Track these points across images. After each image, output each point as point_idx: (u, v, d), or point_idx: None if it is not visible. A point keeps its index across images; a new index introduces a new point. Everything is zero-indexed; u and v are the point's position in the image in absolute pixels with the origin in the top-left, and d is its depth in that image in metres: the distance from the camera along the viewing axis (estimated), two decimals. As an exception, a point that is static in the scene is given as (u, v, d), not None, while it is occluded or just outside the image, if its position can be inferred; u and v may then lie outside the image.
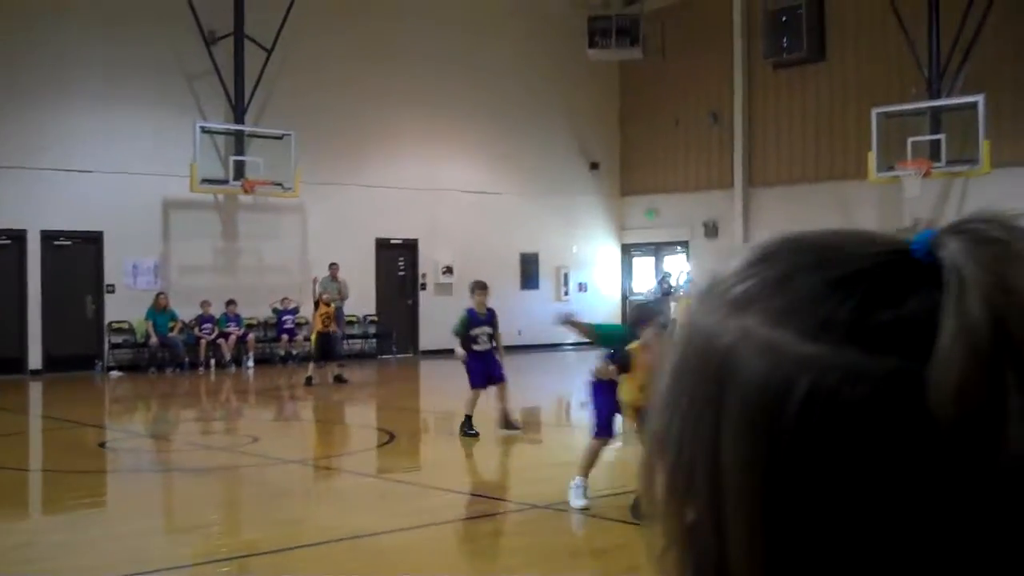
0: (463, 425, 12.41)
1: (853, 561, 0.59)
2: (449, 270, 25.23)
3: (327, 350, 19.09)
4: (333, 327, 19.29)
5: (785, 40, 24.97)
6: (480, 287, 12.78)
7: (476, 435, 12.28)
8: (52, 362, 20.62)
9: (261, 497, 9.72)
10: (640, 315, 8.84)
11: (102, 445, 13.19)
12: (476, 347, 12.50)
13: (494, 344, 12.66)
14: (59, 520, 9.08)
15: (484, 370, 12.44)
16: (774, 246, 0.66)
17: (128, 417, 16.91)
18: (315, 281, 20.44)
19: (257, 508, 9.36)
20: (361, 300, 23.34)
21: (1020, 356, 0.57)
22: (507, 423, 12.62)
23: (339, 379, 19.03)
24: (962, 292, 0.58)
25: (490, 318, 12.63)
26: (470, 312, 12.58)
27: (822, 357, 0.59)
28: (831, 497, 0.58)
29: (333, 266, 22.48)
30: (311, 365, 19.16)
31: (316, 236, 23.54)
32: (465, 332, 12.47)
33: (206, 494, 10.04)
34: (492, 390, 12.58)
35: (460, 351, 12.56)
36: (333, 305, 19.52)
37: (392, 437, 13.12)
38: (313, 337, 19.22)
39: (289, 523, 8.45)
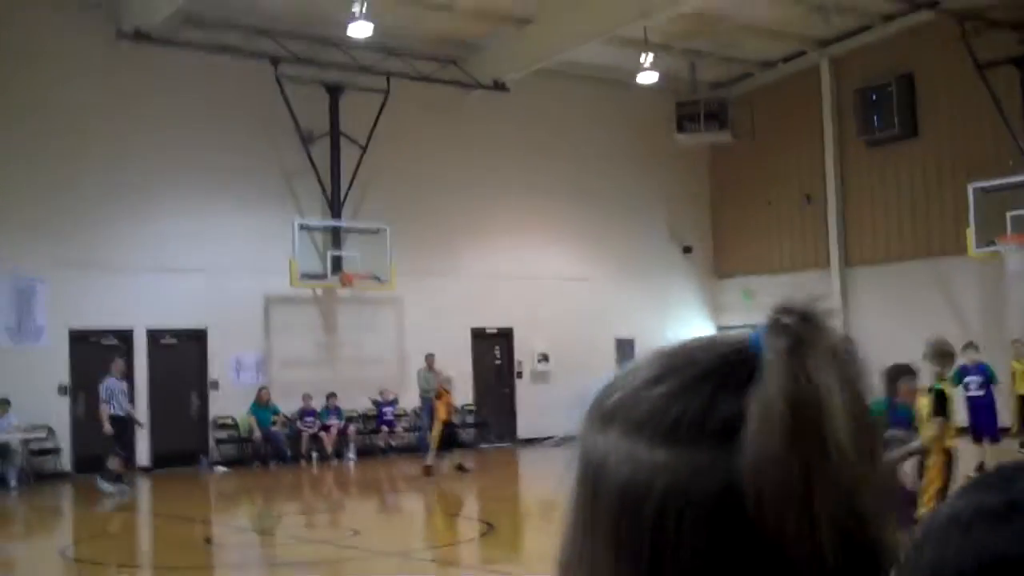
0: None
1: None
2: (545, 357, 25.28)
3: (452, 439, 19.32)
4: (454, 416, 19.56)
5: (876, 118, 24.83)
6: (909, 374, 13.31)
7: None
8: (159, 459, 21.03)
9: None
10: (895, 372, 8.92)
11: (208, 540, 13.39)
12: None
13: None
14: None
15: None
16: (642, 358, 0.72)
17: (233, 512, 17.14)
18: (438, 373, 20.56)
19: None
20: (459, 390, 23.45)
21: (815, 431, 0.62)
22: None
23: (461, 468, 19.13)
24: (763, 380, 0.64)
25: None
26: None
27: (673, 461, 0.64)
28: None
29: (429, 357, 22.69)
30: (431, 454, 19.24)
31: (413, 327, 23.80)
32: None
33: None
34: None
35: None
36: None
37: (491, 527, 13.10)
38: (438, 427, 19.35)
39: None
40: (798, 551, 0.62)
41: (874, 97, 24.83)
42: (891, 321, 24.07)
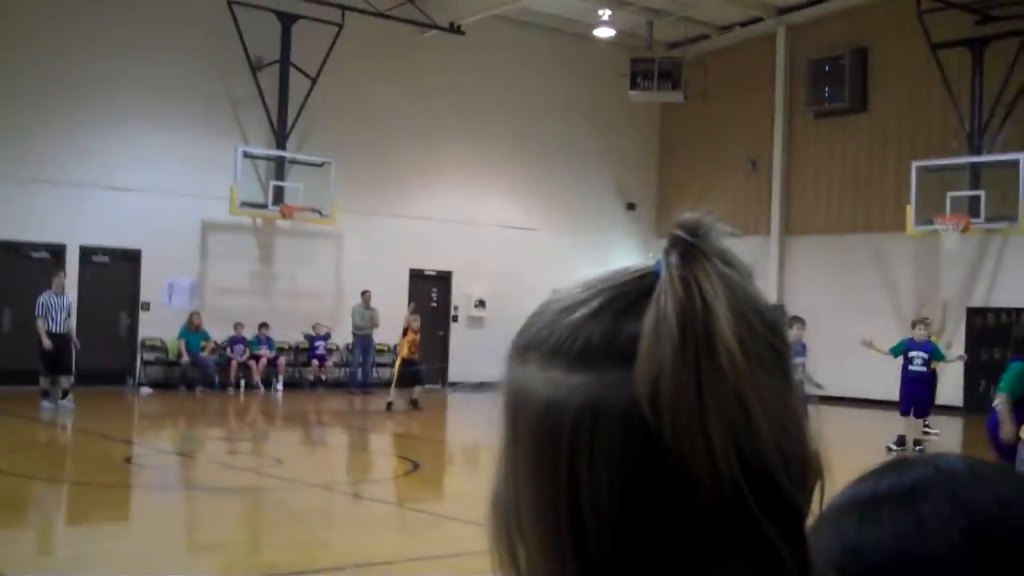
0: None
1: (647, 554, 0.66)
2: (482, 303, 25.28)
3: (413, 376, 19.36)
4: (417, 354, 19.53)
5: (827, 89, 24.96)
6: (798, 321, 13.62)
7: None
8: (84, 376, 20.75)
9: (281, 519, 9.74)
10: None
11: (128, 460, 13.28)
12: None
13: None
14: (79, 532, 9.15)
15: None
16: (554, 293, 0.74)
17: (155, 434, 17.01)
18: (411, 310, 20.52)
19: (276, 530, 9.38)
20: (393, 329, 23.38)
21: (704, 336, 0.64)
22: None
23: (414, 403, 19.26)
24: (657, 295, 0.66)
25: (802, 351, 13.48)
26: None
27: (586, 381, 0.67)
28: (611, 498, 0.65)
29: (365, 294, 22.63)
30: (392, 390, 19.36)
31: (351, 264, 23.67)
32: None
33: (227, 513, 10.08)
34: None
35: None
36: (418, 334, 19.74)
37: (416, 466, 13.12)
38: (397, 363, 19.54)
39: (307, 546, 8.46)
40: (695, 462, 0.64)
41: (827, 68, 24.92)
42: (827, 291, 24.39)
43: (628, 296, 0.69)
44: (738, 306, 0.65)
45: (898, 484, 0.81)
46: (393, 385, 19.51)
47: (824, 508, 0.74)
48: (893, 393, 15.55)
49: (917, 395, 14.83)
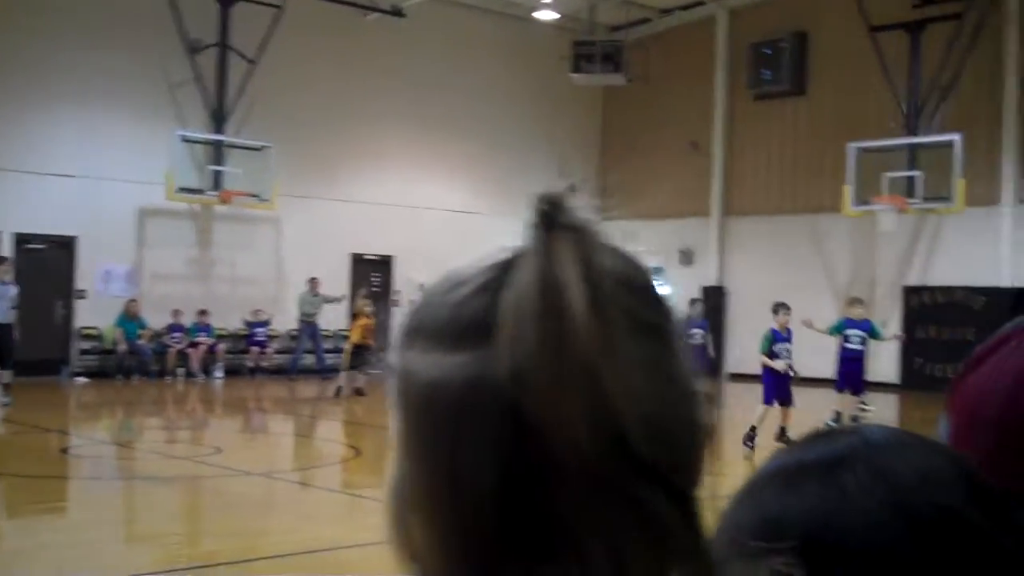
0: (746, 437, 12.88)
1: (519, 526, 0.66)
2: (424, 288, 25.08)
3: (363, 361, 19.25)
4: (370, 339, 19.38)
5: (767, 73, 25.14)
6: (783, 308, 13.79)
7: (753, 448, 12.67)
8: (18, 366, 20.36)
9: (221, 508, 9.63)
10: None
11: (64, 451, 13.07)
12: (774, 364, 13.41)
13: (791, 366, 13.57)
14: (16, 526, 8.97)
15: (777, 388, 13.40)
16: (435, 282, 0.75)
17: (92, 424, 16.75)
18: (358, 295, 20.38)
19: (217, 519, 9.28)
20: (335, 314, 23.26)
21: (557, 308, 0.64)
22: (783, 438, 12.96)
23: (359, 391, 19.13)
24: (517, 268, 0.67)
25: (788, 337, 13.70)
26: (773, 331, 13.65)
27: (465, 359, 0.67)
28: (489, 474, 0.65)
29: (313, 280, 22.47)
30: (342, 375, 19.25)
31: (292, 249, 23.47)
32: (768, 349, 13.48)
33: (166, 503, 9.95)
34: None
35: (779, 364, 13.43)
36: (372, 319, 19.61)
37: (358, 452, 13.04)
38: (348, 348, 19.41)
39: (248, 534, 8.38)
40: (554, 434, 0.64)
41: (767, 52, 25.11)
42: (767, 271, 24.61)
43: (504, 273, 0.69)
44: (594, 276, 0.65)
45: (823, 454, 0.81)
46: (343, 371, 19.38)
47: (749, 478, 0.77)
48: (830, 371, 15.76)
49: (853, 373, 15.08)
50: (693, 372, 0.71)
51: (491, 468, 0.65)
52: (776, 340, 13.64)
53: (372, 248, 24.91)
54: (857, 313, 15.42)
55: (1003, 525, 0.77)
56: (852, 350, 15.09)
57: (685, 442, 0.68)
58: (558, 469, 0.64)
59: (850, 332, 15.09)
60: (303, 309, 22.66)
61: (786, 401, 13.49)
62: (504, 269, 0.69)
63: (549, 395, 0.63)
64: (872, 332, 15.44)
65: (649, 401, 0.66)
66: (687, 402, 0.70)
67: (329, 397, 19.15)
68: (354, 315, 19.54)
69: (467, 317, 0.69)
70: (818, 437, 0.85)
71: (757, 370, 14.17)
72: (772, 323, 13.79)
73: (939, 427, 1.23)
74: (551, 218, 0.68)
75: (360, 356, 19.32)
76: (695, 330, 15.82)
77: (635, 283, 0.70)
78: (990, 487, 0.79)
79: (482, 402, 0.66)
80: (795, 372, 13.81)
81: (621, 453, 0.64)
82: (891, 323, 21.17)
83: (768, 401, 13.40)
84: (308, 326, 22.65)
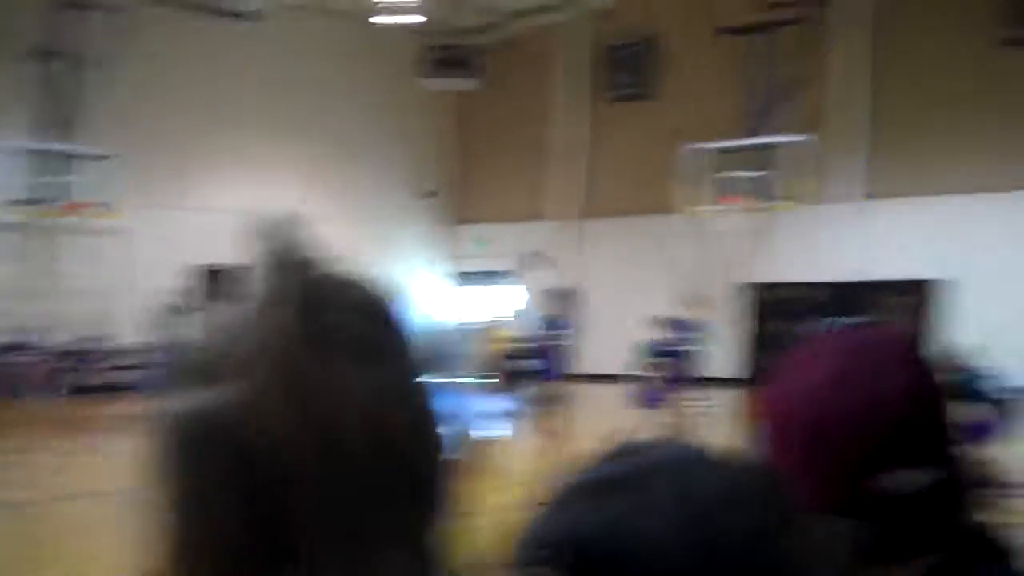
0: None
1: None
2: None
3: None
4: None
5: (620, 76, 25.51)
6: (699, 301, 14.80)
7: None
8: None
9: (57, 533, 9.33)
10: None
11: None
12: None
13: None
14: None
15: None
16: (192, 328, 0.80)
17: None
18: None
19: (51, 546, 8.98)
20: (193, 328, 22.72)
21: (282, 346, 0.70)
22: None
23: None
24: (246, 304, 0.76)
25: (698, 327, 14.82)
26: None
27: (206, 395, 0.72)
28: (228, 499, 0.72)
29: (167, 292, 21.90)
30: None
31: (142, 261, 22.84)
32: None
33: (2, 530, 9.58)
34: None
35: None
36: None
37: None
38: None
39: (82, 559, 8.14)
40: (286, 456, 0.70)
41: (620, 55, 25.49)
42: (618, 273, 24.99)
43: (237, 312, 0.74)
44: (314, 310, 0.70)
45: (626, 469, 0.81)
46: None
47: (554, 492, 0.79)
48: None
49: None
50: (431, 394, 0.76)
51: (233, 487, 0.70)
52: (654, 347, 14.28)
53: (221, 258, 24.36)
54: (692, 315, 15.84)
55: (799, 546, 0.77)
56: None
57: (419, 460, 0.73)
58: (292, 483, 0.69)
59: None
60: (157, 323, 22.08)
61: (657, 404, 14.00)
62: (237, 308, 0.75)
63: (275, 421, 0.69)
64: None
65: (373, 422, 0.70)
66: (420, 423, 0.74)
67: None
68: None
69: (202, 358, 0.74)
70: (623, 451, 0.84)
71: (614, 371, 14.45)
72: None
73: (749, 432, 1.25)
74: (278, 254, 0.74)
75: None
76: (558, 331, 15.90)
77: (366, 310, 0.74)
78: (791, 506, 0.79)
79: (220, 429, 0.71)
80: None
81: (350, 470, 0.69)
82: (735, 319, 21.81)
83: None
84: (162, 341, 22.03)
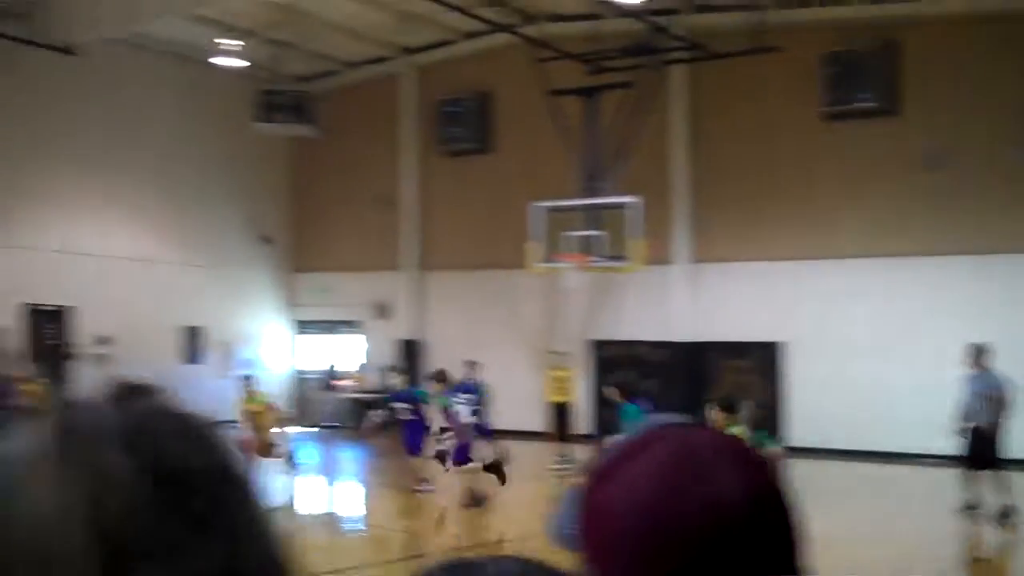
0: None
1: None
2: (106, 340, 23.85)
3: None
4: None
5: (453, 130, 25.79)
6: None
7: None
8: None
9: None
10: None
11: None
12: None
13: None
14: None
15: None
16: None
17: None
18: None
19: None
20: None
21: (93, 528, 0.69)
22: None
23: None
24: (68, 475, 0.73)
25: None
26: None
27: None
28: None
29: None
30: None
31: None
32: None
33: None
34: None
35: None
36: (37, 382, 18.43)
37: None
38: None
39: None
40: None
41: (453, 110, 25.76)
42: (463, 326, 25.17)
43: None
44: (105, 508, 0.70)
45: None
46: None
47: None
48: (521, 423, 16.25)
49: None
50: (262, 521, 0.77)
51: None
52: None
53: (47, 298, 23.48)
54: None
55: None
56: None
57: None
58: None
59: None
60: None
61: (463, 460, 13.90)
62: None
63: None
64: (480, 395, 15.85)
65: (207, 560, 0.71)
66: (260, 552, 0.75)
67: None
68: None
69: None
70: (449, 569, 0.87)
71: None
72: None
73: (554, 520, 1.24)
74: (67, 422, 0.74)
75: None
76: (462, 395, 15.21)
77: (178, 475, 0.73)
78: None
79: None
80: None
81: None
82: (583, 375, 22.32)
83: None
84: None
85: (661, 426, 1.16)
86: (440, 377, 14.82)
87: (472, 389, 15.67)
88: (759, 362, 22.36)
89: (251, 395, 16.06)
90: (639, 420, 9.83)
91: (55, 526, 0.69)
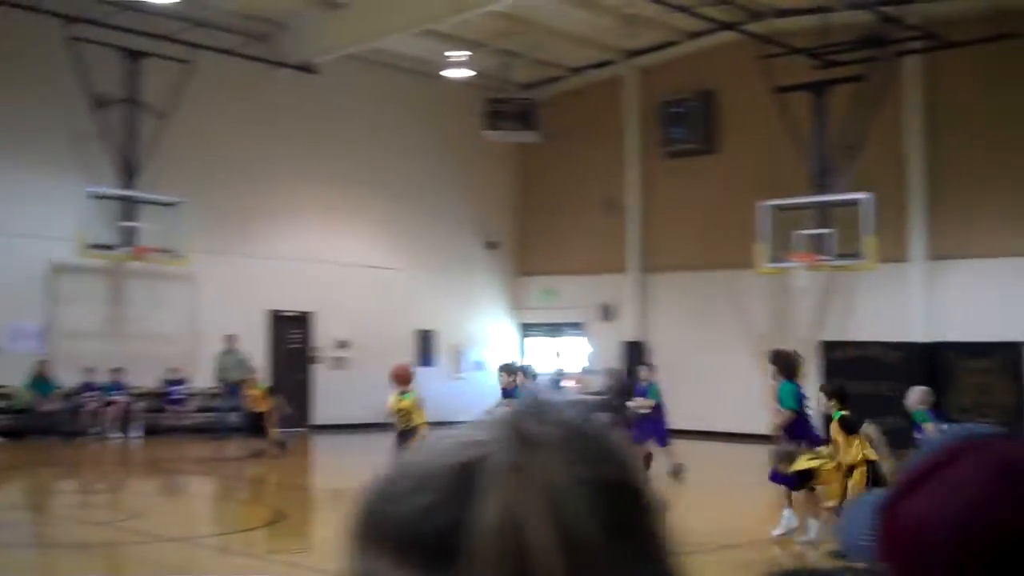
0: None
1: None
2: (344, 344, 24.98)
3: (262, 427, 19.36)
4: (263, 407, 19.23)
5: (677, 131, 25.61)
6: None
7: None
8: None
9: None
10: None
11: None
12: None
13: None
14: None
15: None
16: (388, 474, 0.75)
17: (2, 487, 16.29)
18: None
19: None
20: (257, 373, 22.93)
21: (522, 551, 0.66)
22: None
23: (259, 453, 18.96)
24: (479, 506, 0.68)
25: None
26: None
27: None
28: None
29: (230, 337, 22.21)
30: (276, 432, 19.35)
31: (207, 306, 23.12)
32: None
33: (83, 572, 9.71)
34: None
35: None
36: (259, 387, 19.76)
37: (282, 515, 12.87)
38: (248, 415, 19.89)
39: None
40: None
41: (676, 111, 25.59)
42: (686, 327, 24.97)
43: (462, 487, 0.70)
44: (559, 507, 0.67)
45: None
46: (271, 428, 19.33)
47: None
48: (750, 426, 15.94)
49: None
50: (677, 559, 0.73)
51: None
52: None
53: (290, 304, 24.70)
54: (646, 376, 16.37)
55: None
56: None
57: None
58: None
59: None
60: (221, 367, 22.34)
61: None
62: (467, 477, 0.70)
63: None
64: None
65: None
66: None
67: (243, 458, 18.84)
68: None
69: (432, 534, 0.69)
70: None
71: (702, 427, 14.32)
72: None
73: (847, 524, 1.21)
74: (522, 432, 0.70)
75: (258, 422, 19.26)
76: (639, 399, 15.73)
77: (615, 488, 0.70)
78: None
79: None
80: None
81: None
82: (810, 377, 21.63)
83: None
84: (227, 385, 22.20)
85: (969, 437, 1.11)
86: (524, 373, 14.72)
87: (644, 392, 15.99)
88: (1001, 363, 21.21)
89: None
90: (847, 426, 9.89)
91: (517, 532, 0.67)
